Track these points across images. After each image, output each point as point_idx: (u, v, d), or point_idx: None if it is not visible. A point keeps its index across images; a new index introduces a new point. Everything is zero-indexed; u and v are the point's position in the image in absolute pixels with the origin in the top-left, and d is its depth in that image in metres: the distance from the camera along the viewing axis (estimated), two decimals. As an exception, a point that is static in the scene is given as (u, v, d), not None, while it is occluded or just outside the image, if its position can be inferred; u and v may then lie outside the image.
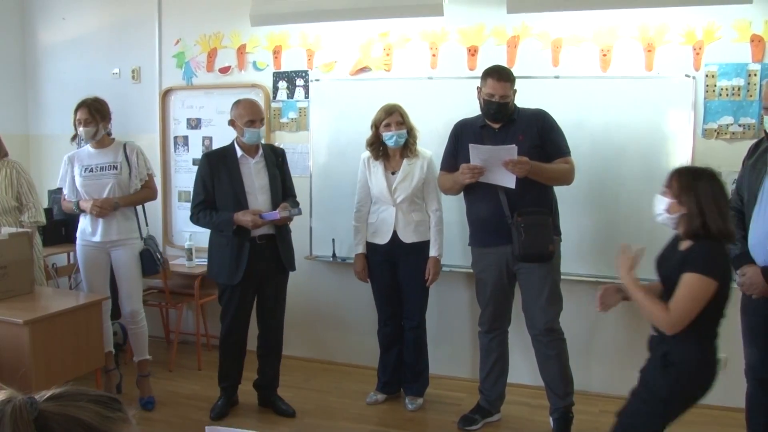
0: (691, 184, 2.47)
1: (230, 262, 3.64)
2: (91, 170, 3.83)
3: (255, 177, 3.68)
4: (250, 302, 3.79)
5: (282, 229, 3.75)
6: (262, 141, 3.81)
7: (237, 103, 3.71)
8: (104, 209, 3.78)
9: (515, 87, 3.47)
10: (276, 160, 3.77)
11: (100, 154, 3.86)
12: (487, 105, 3.45)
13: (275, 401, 3.89)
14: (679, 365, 2.48)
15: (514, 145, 3.26)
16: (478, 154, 3.32)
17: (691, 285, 2.37)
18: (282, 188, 3.76)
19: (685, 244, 2.51)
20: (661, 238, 3.88)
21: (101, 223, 3.83)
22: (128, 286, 3.95)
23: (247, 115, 3.59)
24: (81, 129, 3.81)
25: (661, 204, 2.55)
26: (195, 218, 3.73)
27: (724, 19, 3.76)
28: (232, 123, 3.68)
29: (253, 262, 3.64)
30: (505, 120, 3.46)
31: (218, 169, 3.64)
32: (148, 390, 4.05)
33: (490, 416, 3.77)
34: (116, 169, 3.87)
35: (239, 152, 3.66)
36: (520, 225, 3.32)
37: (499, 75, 3.44)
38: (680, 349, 2.48)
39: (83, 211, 3.83)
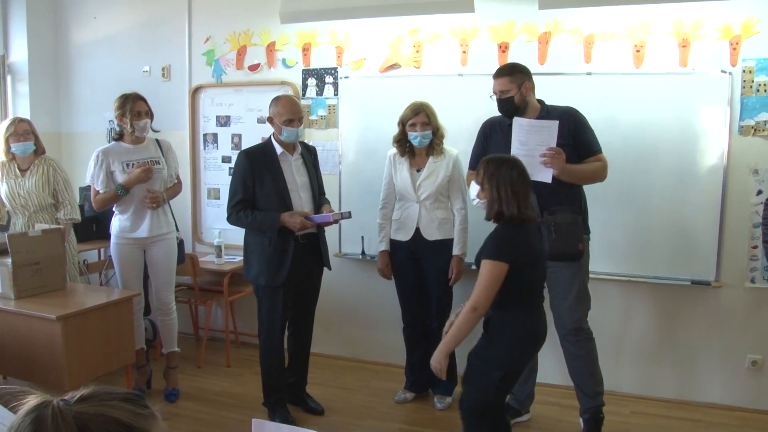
0: (493, 171, 2.72)
1: (273, 263, 3.53)
2: (134, 166, 3.81)
3: (296, 174, 3.61)
4: (292, 304, 3.71)
5: (322, 228, 3.71)
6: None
7: (276, 100, 3.62)
8: (159, 201, 3.82)
9: (522, 80, 3.37)
10: (310, 158, 3.73)
11: (138, 149, 3.86)
12: (497, 104, 3.45)
13: (304, 399, 3.89)
14: (496, 329, 2.77)
15: (556, 121, 3.21)
16: (519, 129, 3.26)
17: (484, 270, 2.66)
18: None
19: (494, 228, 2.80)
20: (694, 236, 3.85)
21: (148, 219, 3.85)
22: (165, 279, 4.01)
23: (286, 114, 3.51)
24: (142, 121, 3.79)
25: (473, 190, 2.84)
26: (234, 218, 3.57)
27: (762, 13, 3.68)
28: (270, 120, 3.60)
29: (296, 261, 3.56)
30: (516, 114, 3.37)
31: (259, 168, 3.53)
32: (174, 382, 4.11)
33: (520, 416, 3.74)
34: (159, 164, 3.90)
35: (279, 149, 3.58)
36: (550, 224, 3.27)
37: (495, 73, 3.45)
38: (497, 316, 2.76)
39: (129, 191, 3.76)
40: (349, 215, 3.60)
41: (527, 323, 2.79)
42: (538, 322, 2.83)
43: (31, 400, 0.92)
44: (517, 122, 3.27)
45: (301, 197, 3.60)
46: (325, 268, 3.83)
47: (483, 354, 2.79)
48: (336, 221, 3.63)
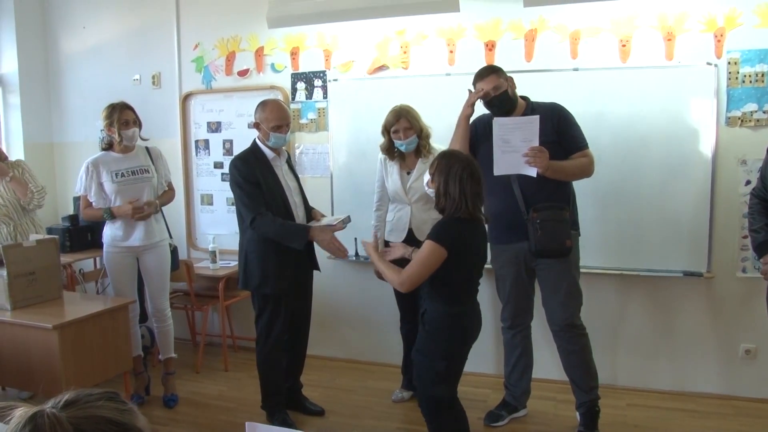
0: (443, 166, 2.77)
1: (278, 269, 3.49)
2: (123, 175, 3.83)
3: (287, 179, 3.59)
4: (291, 308, 3.69)
5: None
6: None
7: (263, 105, 3.54)
8: (147, 212, 3.80)
9: (506, 76, 3.39)
10: (291, 162, 3.72)
11: (127, 158, 3.87)
12: (489, 105, 3.42)
13: (302, 401, 3.91)
14: (431, 322, 2.82)
15: (537, 116, 3.21)
16: (502, 129, 3.27)
17: (424, 250, 2.70)
18: None
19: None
20: (685, 228, 3.88)
21: (140, 228, 3.85)
22: (159, 286, 4.01)
23: (275, 120, 3.45)
24: (130, 130, 3.80)
25: (425, 179, 2.91)
26: (259, 223, 3.38)
27: (745, 5, 3.71)
28: (256, 125, 3.54)
29: (298, 268, 3.55)
30: (512, 108, 3.40)
31: (258, 171, 3.46)
32: (172, 388, 4.12)
33: (516, 412, 3.76)
34: (148, 172, 3.91)
35: (270, 154, 3.54)
36: (535, 221, 3.29)
37: (481, 74, 3.43)
38: (431, 308, 2.83)
39: (115, 218, 3.81)
40: (349, 220, 3.59)
41: (462, 317, 2.83)
42: (473, 316, 2.88)
43: (20, 412, 0.93)
44: (498, 122, 3.28)
45: (295, 202, 3.59)
46: (320, 270, 3.83)
47: (424, 348, 2.87)
48: (341, 229, 3.54)
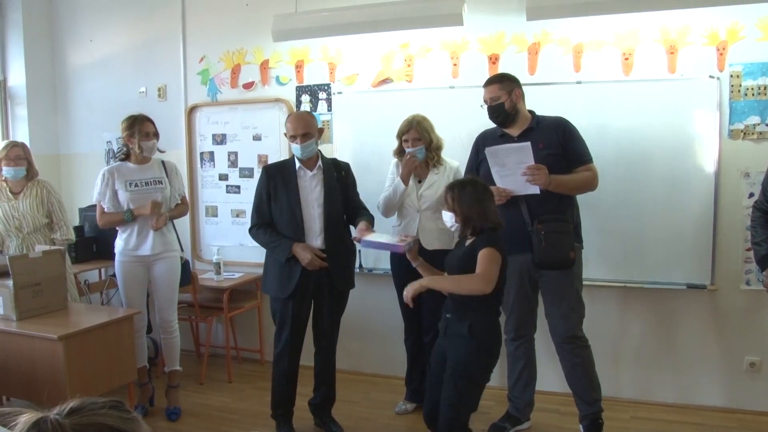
0: (457, 196, 2.93)
1: (282, 275, 3.57)
2: (137, 185, 3.88)
3: (310, 190, 3.59)
4: (305, 320, 3.70)
5: (337, 247, 3.60)
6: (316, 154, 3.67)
7: (288, 117, 3.71)
8: (160, 222, 3.86)
9: (512, 87, 3.44)
10: (338, 174, 3.68)
11: (143, 169, 3.93)
12: (487, 112, 3.51)
13: (326, 422, 3.82)
14: (482, 335, 2.88)
15: (528, 143, 3.26)
16: (495, 157, 3.33)
17: (487, 254, 2.80)
18: (347, 200, 3.68)
19: (470, 240, 2.94)
20: (688, 240, 3.89)
21: (151, 238, 3.90)
22: (167, 296, 4.03)
23: (289, 130, 3.56)
24: (150, 142, 3.87)
25: (447, 217, 2.99)
26: (253, 232, 3.67)
27: (747, 19, 3.73)
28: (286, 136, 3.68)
29: (305, 276, 3.54)
30: (507, 120, 3.47)
31: (275, 182, 3.59)
32: (174, 401, 4.13)
33: (520, 424, 3.75)
34: (161, 184, 3.96)
35: (297, 164, 3.61)
36: (540, 233, 3.31)
37: (485, 82, 3.54)
38: (479, 320, 2.88)
39: (135, 219, 3.85)
40: (413, 242, 3.29)
41: (497, 327, 2.96)
42: (500, 327, 3.00)
43: (25, 418, 0.94)
44: (490, 151, 3.35)
45: (311, 214, 3.57)
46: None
47: (473, 362, 2.89)
48: (405, 252, 3.23)
